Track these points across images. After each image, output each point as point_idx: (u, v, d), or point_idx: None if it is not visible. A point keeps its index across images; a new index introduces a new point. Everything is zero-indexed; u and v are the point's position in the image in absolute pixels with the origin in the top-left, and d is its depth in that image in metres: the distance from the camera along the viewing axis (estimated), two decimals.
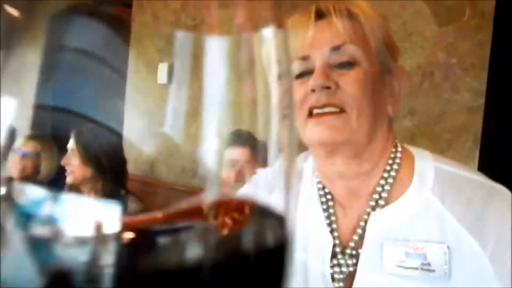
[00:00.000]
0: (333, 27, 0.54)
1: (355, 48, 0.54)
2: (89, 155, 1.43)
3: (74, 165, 1.37)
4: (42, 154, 1.53)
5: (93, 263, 0.16)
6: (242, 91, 0.20)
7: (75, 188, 1.42)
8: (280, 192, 0.54)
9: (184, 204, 0.18)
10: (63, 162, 1.40)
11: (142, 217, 0.18)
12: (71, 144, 1.32)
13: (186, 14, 2.02)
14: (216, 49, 0.20)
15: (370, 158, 0.57)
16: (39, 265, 0.19)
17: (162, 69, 0.32)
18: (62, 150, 1.34)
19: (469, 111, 1.54)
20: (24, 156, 1.46)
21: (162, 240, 0.16)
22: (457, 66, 1.56)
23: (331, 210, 0.60)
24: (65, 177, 1.40)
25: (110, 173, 1.36)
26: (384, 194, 0.56)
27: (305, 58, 0.55)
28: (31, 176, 1.53)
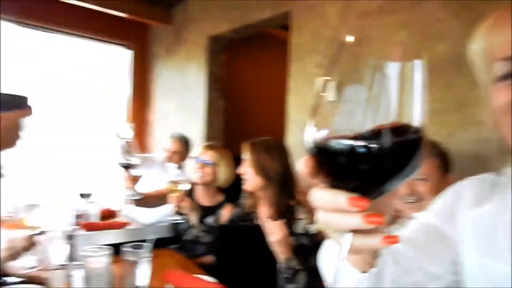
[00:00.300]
0: None
1: None
2: (260, 166, 1.60)
3: (249, 174, 1.55)
4: (220, 163, 1.81)
5: None
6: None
7: (251, 195, 1.61)
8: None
9: None
10: (239, 171, 1.61)
11: None
12: (246, 155, 1.52)
13: (346, 29, 2.02)
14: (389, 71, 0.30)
15: None
16: None
17: (330, 87, 0.34)
18: (238, 160, 1.57)
19: None
20: (204, 164, 1.75)
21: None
22: None
23: None
24: (241, 184, 1.62)
25: (278, 184, 1.49)
26: None
27: (510, 59, 0.50)
28: (210, 182, 1.81)
